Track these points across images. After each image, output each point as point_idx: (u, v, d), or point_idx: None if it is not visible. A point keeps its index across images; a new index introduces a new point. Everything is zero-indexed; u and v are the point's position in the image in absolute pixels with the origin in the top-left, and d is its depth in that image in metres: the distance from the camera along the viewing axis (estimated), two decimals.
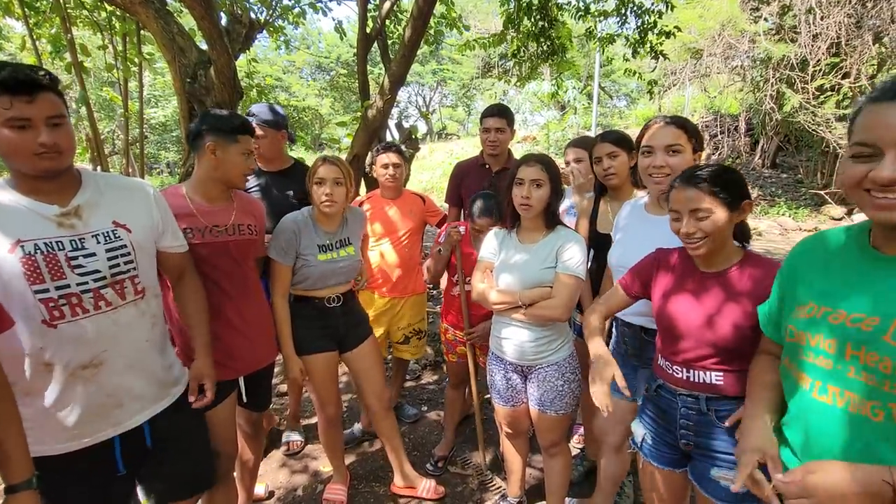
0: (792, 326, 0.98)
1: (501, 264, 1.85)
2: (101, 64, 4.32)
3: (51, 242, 1.15)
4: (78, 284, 1.17)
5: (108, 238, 1.24)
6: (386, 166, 2.52)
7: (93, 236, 1.21)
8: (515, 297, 1.75)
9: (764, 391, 1.10)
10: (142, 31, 3.92)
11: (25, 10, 3.63)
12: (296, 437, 2.76)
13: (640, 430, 1.47)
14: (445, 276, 2.43)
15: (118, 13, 3.89)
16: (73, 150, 1.20)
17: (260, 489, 2.32)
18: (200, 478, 1.51)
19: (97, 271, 1.21)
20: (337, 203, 1.97)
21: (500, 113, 2.57)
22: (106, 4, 3.76)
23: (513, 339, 1.81)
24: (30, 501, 1.02)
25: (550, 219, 1.79)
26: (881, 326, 0.83)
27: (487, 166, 2.68)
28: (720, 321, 1.26)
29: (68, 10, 3.82)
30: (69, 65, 3.69)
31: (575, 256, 1.72)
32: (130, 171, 6.06)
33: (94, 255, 1.20)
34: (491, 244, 1.92)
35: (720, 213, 1.23)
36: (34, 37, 3.92)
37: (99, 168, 3.97)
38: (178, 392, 1.43)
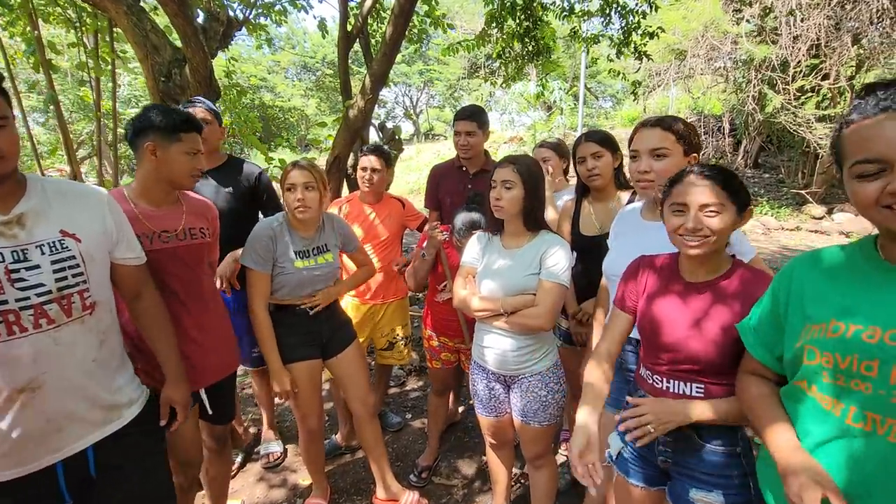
0: (812, 347, 0.90)
1: (485, 269, 1.79)
2: (76, 62, 4.17)
3: None
4: (17, 300, 1.07)
5: (53, 248, 1.13)
6: (365, 169, 2.46)
7: (37, 247, 1.11)
8: (498, 305, 1.68)
9: (776, 409, 1.01)
10: (115, 28, 3.79)
11: None
12: (274, 448, 2.66)
13: (616, 443, 1.39)
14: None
15: (89, 9, 3.75)
16: (16, 154, 1.10)
17: None
18: (160, 501, 1.41)
19: (41, 285, 1.11)
20: (311, 208, 1.90)
21: (471, 116, 2.50)
22: (76, 0, 3.63)
23: (494, 347, 1.75)
24: None
25: (532, 222, 1.73)
26: None
27: (465, 168, 2.63)
28: (706, 333, 1.20)
29: (38, 7, 3.68)
30: (38, 63, 3.55)
31: (559, 262, 1.66)
32: (108, 172, 5.89)
33: (37, 267, 1.10)
34: (473, 249, 1.86)
35: (730, 212, 1.17)
36: (4, 35, 3.77)
37: (70, 171, 3.83)
38: (132, 414, 1.32)
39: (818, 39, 8.38)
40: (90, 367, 1.21)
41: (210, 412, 1.73)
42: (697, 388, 1.22)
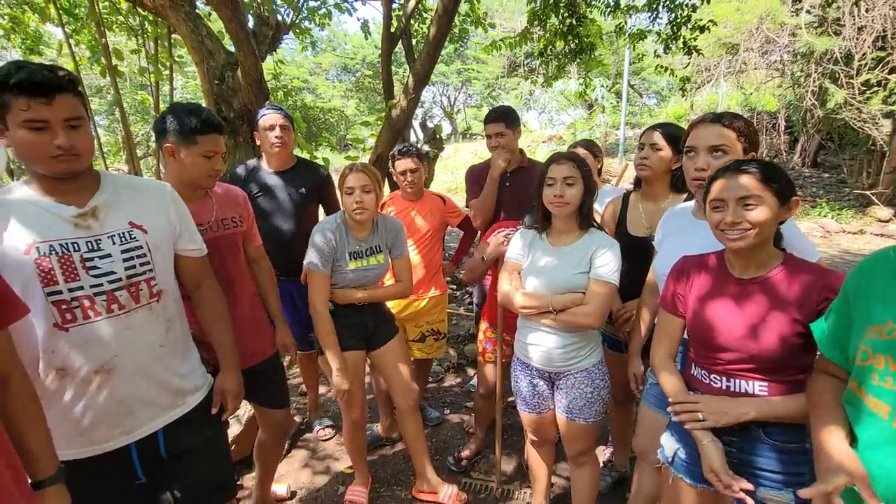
0: (866, 348, 0.88)
1: (530, 266, 1.78)
2: (136, 68, 4.45)
3: (66, 244, 1.14)
4: (91, 286, 1.16)
5: (123, 239, 1.22)
6: (404, 173, 2.50)
7: (108, 237, 1.20)
8: (545, 302, 1.67)
9: (831, 410, 1.00)
10: (173, 35, 4.01)
11: (63, 16, 3.76)
12: (327, 423, 2.82)
13: (671, 443, 1.37)
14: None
15: (150, 17, 3.98)
16: (91, 153, 1.19)
17: (282, 489, 2.31)
18: (220, 487, 1.48)
19: (112, 272, 1.19)
20: (368, 210, 1.95)
21: (498, 117, 2.51)
22: (139, 9, 3.86)
23: (540, 344, 1.74)
24: (59, 495, 1.02)
25: (584, 219, 1.72)
26: None
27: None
28: (764, 331, 1.16)
29: (103, 16, 3.94)
30: (105, 69, 3.81)
31: (609, 263, 1.64)
32: (162, 172, 6.24)
33: (109, 255, 1.19)
34: (517, 245, 1.85)
35: (770, 204, 1.14)
36: (72, 42, 4.06)
37: (132, 169, 4.08)
38: (196, 401, 1.39)
39: (885, 30, 7.82)
40: (158, 352, 1.29)
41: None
42: (761, 386, 1.19)
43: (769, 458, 1.18)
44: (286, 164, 2.44)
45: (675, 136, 1.89)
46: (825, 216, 9.33)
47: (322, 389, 3.36)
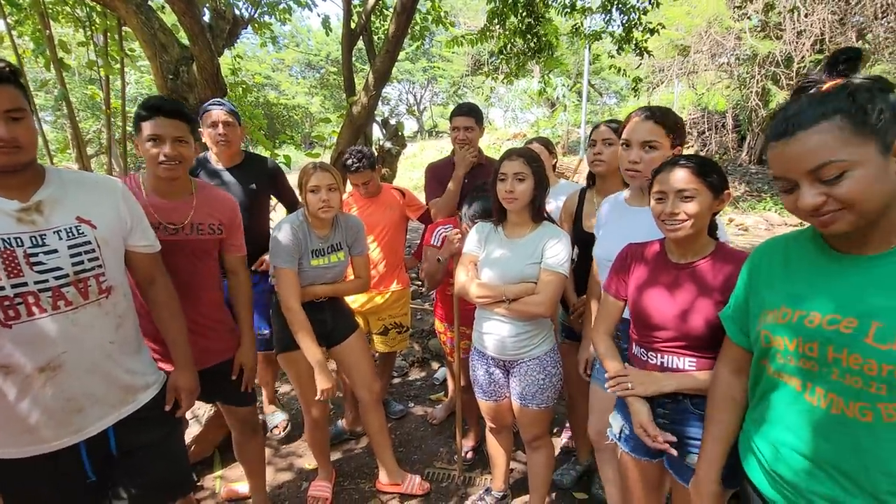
0: (766, 332, 0.98)
1: (486, 258, 1.85)
2: (84, 61, 4.25)
3: (9, 238, 1.12)
4: (36, 283, 1.14)
5: (70, 234, 1.20)
6: (357, 185, 2.56)
7: (54, 232, 1.18)
8: (499, 292, 1.75)
9: (724, 417, 1.15)
10: (124, 28, 3.86)
11: (4, 6, 3.56)
12: (280, 417, 2.79)
13: (618, 421, 1.48)
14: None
15: (99, 9, 3.83)
16: (34, 146, 1.17)
17: (243, 488, 2.30)
18: (175, 484, 1.47)
19: (59, 268, 1.17)
20: (334, 208, 1.98)
21: (468, 112, 2.59)
22: (86, 0, 3.71)
23: (494, 333, 1.82)
24: None
25: (536, 213, 1.80)
26: (860, 328, 0.84)
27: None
28: (693, 314, 1.28)
29: (48, 6, 3.76)
30: (48, 62, 3.63)
31: (559, 253, 1.73)
32: (117, 170, 5.98)
33: (55, 251, 1.17)
34: (474, 238, 1.92)
35: (705, 197, 1.26)
36: (14, 34, 3.85)
37: (79, 168, 3.92)
38: (148, 397, 1.38)
39: (822, 35, 8.36)
40: (108, 349, 1.27)
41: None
42: (690, 361, 1.31)
43: (697, 427, 1.29)
44: (234, 161, 2.39)
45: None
46: (769, 210, 9.90)
47: (286, 388, 3.35)
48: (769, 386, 1.00)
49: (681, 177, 1.27)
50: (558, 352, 1.88)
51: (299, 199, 2.09)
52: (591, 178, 2.13)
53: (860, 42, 8.71)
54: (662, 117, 1.57)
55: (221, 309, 1.86)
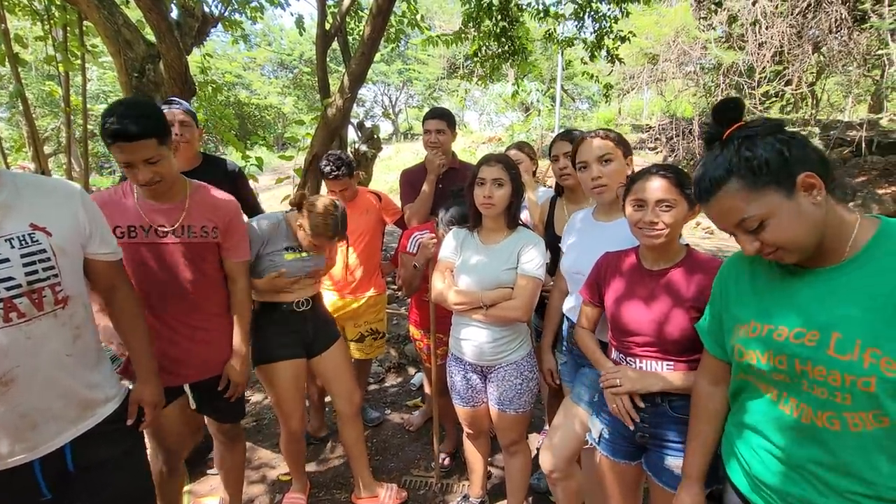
0: (739, 346, 1.00)
1: (462, 264, 1.84)
2: (42, 56, 4.05)
3: None
4: None
5: (23, 242, 1.12)
6: (334, 192, 2.49)
7: (6, 240, 1.10)
8: (476, 298, 1.74)
9: (704, 429, 1.17)
10: (85, 22, 3.70)
11: None
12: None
13: (597, 425, 1.50)
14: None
15: (58, 2, 3.66)
16: None
17: (213, 502, 2.23)
18: (137, 499, 1.40)
19: (11, 278, 1.10)
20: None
21: (441, 116, 2.61)
22: None
23: (472, 339, 1.81)
24: None
25: (511, 220, 1.81)
26: (822, 340, 0.86)
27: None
28: (667, 321, 1.31)
29: None
30: (3, 56, 3.44)
31: (535, 259, 1.74)
32: (78, 170, 5.72)
33: (7, 260, 1.10)
34: (450, 244, 1.91)
35: (682, 207, 1.30)
36: None
37: (36, 168, 3.73)
38: (108, 411, 1.31)
39: (782, 46, 8.74)
40: (65, 362, 1.20)
41: (194, 406, 1.73)
42: (667, 365, 1.34)
43: (674, 430, 1.32)
44: (191, 164, 2.24)
45: None
46: None
47: (258, 397, 3.26)
48: (747, 394, 1.03)
49: (661, 186, 1.30)
50: (535, 357, 1.88)
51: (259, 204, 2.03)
52: (559, 187, 2.17)
53: (815, 54, 9.15)
54: (607, 133, 1.67)
55: (223, 319, 1.78)
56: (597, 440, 1.50)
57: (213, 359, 1.75)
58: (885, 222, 0.89)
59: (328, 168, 2.43)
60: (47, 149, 10.62)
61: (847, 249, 0.88)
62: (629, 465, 1.45)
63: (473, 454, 2.09)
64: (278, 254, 1.95)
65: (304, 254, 2.00)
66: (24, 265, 1.12)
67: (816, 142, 9.39)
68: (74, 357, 1.22)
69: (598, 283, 1.50)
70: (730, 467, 1.09)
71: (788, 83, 9.20)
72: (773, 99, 9.47)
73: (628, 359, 1.40)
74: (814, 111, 10.52)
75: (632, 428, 1.36)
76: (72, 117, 4.10)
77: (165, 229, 1.58)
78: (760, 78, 9.12)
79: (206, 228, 1.67)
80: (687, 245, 1.41)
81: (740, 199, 0.87)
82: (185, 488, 2.37)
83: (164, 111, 2.14)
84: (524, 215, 2.23)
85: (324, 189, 3.86)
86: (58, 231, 1.19)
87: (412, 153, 17.04)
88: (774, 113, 9.42)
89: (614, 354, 1.45)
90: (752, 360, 0.97)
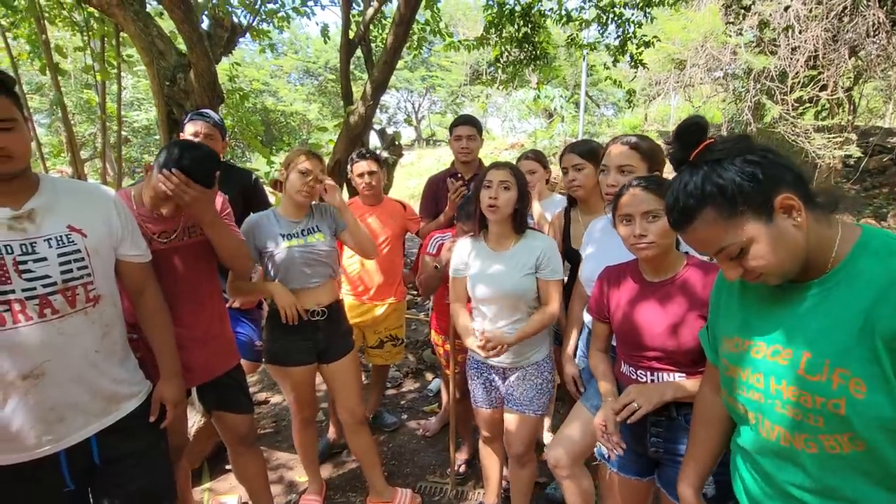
0: (724, 360, 0.99)
1: (479, 274, 1.83)
2: (81, 65, 4.24)
3: None
4: (24, 290, 1.13)
5: (60, 242, 1.19)
6: (362, 175, 2.51)
7: (45, 240, 1.17)
8: (500, 341, 1.73)
9: (704, 442, 1.12)
10: (121, 34, 3.86)
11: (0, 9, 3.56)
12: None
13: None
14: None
15: (97, 14, 3.83)
16: (27, 155, 1.16)
17: (232, 500, 2.27)
18: (157, 497, 1.44)
19: (47, 276, 1.16)
20: (311, 196, 1.96)
21: (470, 122, 2.67)
22: (84, 5, 3.70)
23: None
24: None
25: (519, 224, 1.80)
26: (794, 360, 0.83)
27: (460, 175, 2.71)
28: (677, 331, 1.29)
29: (45, 11, 3.75)
30: (44, 66, 3.62)
31: (555, 263, 1.78)
32: (111, 174, 5.95)
33: (45, 259, 1.16)
34: (460, 257, 1.90)
35: None
36: (11, 36, 3.84)
37: (73, 172, 3.90)
38: (132, 406, 1.36)
39: (816, 51, 8.46)
40: (93, 358, 1.25)
41: (201, 412, 1.75)
42: (680, 377, 1.31)
43: None
44: None
45: (589, 151, 1.99)
46: None
47: (277, 399, 3.31)
48: (735, 414, 1.00)
49: (645, 198, 1.29)
50: (553, 358, 1.89)
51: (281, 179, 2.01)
52: (571, 198, 2.15)
53: (852, 59, 8.83)
54: (636, 143, 1.62)
55: (225, 318, 1.83)
56: (606, 457, 1.46)
57: (217, 359, 1.76)
58: (864, 234, 0.83)
59: (358, 153, 2.54)
60: (83, 154, 11.08)
61: (829, 264, 0.84)
62: (641, 480, 1.42)
63: (490, 459, 2.07)
64: (273, 244, 1.92)
65: (304, 240, 1.96)
66: (60, 264, 1.18)
67: (854, 149, 9.04)
68: (102, 353, 1.28)
69: (602, 298, 1.48)
70: (735, 485, 1.06)
71: (823, 88, 8.88)
72: (808, 105, 9.16)
73: (639, 371, 1.36)
74: (851, 117, 10.14)
75: (622, 448, 1.30)
76: (108, 124, 4.27)
77: (168, 235, 1.58)
78: (793, 83, 8.84)
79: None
80: (687, 253, 1.38)
81: (718, 228, 0.83)
82: (205, 486, 2.43)
83: (191, 122, 2.21)
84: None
85: (345, 196, 3.92)
86: (92, 233, 1.26)
87: (434, 159, 17.13)
88: (808, 119, 9.09)
89: (624, 368, 1.41)
90: (733, 375, 0.94)
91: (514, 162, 2.14)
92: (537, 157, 2.55)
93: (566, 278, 2.01)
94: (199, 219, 1.58)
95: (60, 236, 1.20)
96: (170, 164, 1.44)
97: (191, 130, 2.20)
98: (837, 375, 0.78)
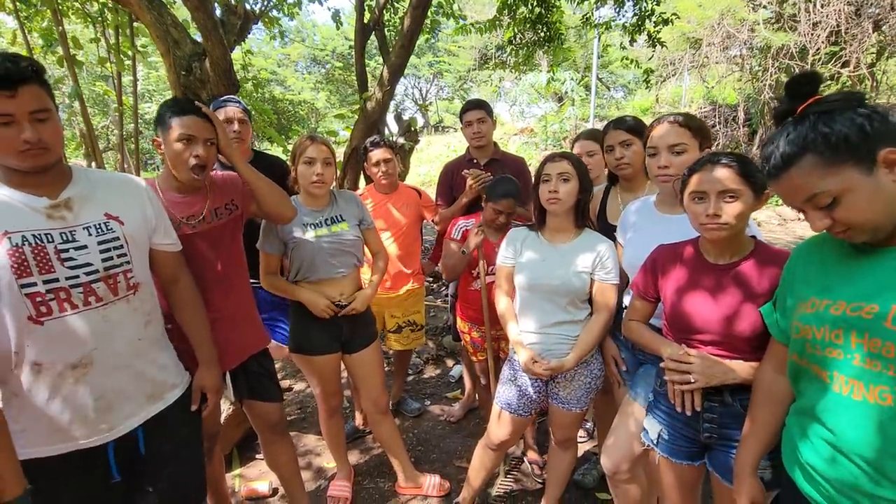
0: (797, 323, 0.99)
1: (527, 262, 1.76)
2: (94, 57, 4.24)
3: (39, 234, 1.11)
4: (67, 278, 1.13)
5: (99, 230, 1.20)
6: (378, 164, 2.49)
7: (84, 228, 1.18)
8: (558, 365, 1.69)
9: (765, 418, 1.14)
10: (135, 23, 3.84)
11: (17, 3, 3.55)
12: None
13: (654, 426, 1.44)
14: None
15: (110, 4, 3.81)
16: (61, 145, 1.16)
17: (264, 486, 2.30)
18: (195, 489, 1.46)
19: (89, 264, 1.16)
20: (326, 184, 1.93)
21: (480, 106, 2.63)
22: None
23: (542, 343, 1.75)
24: None
25: (580, 218, 1.74)
26: (881, 312, 0.84)
27: (476, 161, 2.68)
28: (738, 317, 1.24)
29: (59, 2, 3.74)
30: (61, 58, 3.62)
31: (614, 267, 1.70)
32: (126, 166, 5.98)
33: (85, 247, 1.16)
34: (508, 249, 1.84)
35: (748, 197, 1.21)
36: (25, 30, 3.84)
37: (93, 164, 3.92)
38: (174, 397, 1.37)
39: (838, 26, 8.21)
40: (137, 346, 1.27)
41: (232, 399, 1.75)
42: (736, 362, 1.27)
43: None
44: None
45: (636, 126, 1.89)
46: (782, 205, 9.75)
47: (300, 386, 3.34)
48: (802, 378, 1.01)
49: (724, 176, 1.21)
50: (599, 351, 1.83)
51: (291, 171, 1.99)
52: (612, 177, 2.06)
53: (875, 33, 8.54)
54: (687, 121, 1.55)
55: (252, 299, 1.83)
56: (655, 441, 1.44)
57: (248, 341, 1.75)
58: None
59: (371, 141, 2.51)
60: (99, 145, 11.16)
61: None
62: (692, 465, 1.39)
63: (482, 464, 1.97)
64: (298, 233, 1.88)
65: (328, 230, 1.94)
66: (101, 251, 1.19)
67: None
68: (145, 341, 1.29)
69: (653, 276, 1.43)
70: (787, 459, 1.05)
71: (845, 65, 8.63)
72: (829, 82, 8.90)
73: None
74: (873, 94, 9.85)
75: (688, 414, 1.29)
76: (122, 116, 4.27)
77: (196, 219, 1.56)
78: (814, 60, 8.59)
79: (228, 205, 1.66)
80: (754, 237, 1.32)
81: (814, 175, 0.85)
82: (236, 472, 2.47)
83: (224, 108, 2.18)
84: None
85: (362, 183, 3.91)
86: (129, 221, 1.26)
87: (443, 145, 17.01)
88: None
89: None
90: (807, 336, 0.95)
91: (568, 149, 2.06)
92: (594, 136, 2.30)
93: None
94: (234, 158, 1.62)
95: (99, 224, 1.20)
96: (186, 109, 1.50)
97: (222, 117, 2.17)
98: None
